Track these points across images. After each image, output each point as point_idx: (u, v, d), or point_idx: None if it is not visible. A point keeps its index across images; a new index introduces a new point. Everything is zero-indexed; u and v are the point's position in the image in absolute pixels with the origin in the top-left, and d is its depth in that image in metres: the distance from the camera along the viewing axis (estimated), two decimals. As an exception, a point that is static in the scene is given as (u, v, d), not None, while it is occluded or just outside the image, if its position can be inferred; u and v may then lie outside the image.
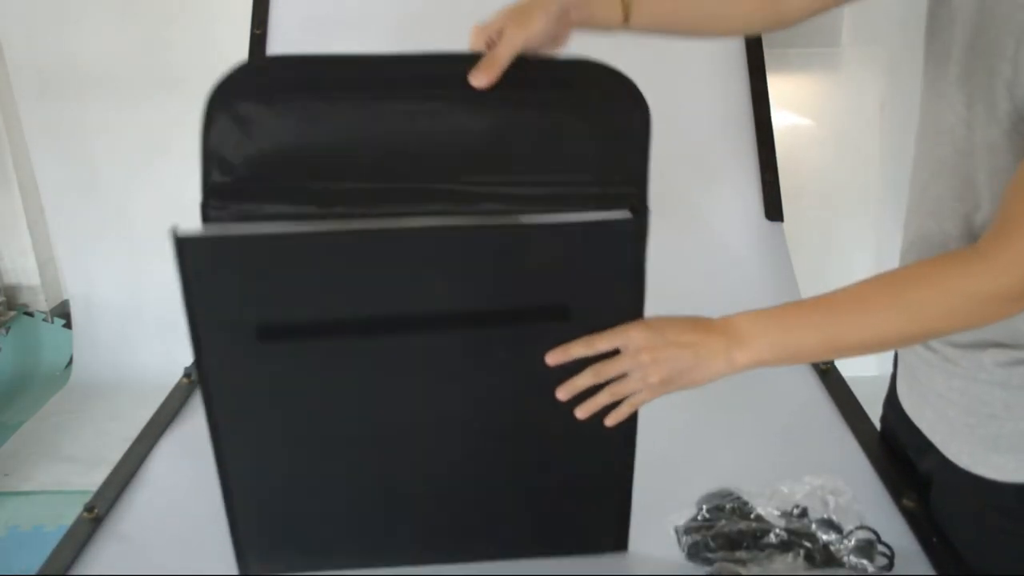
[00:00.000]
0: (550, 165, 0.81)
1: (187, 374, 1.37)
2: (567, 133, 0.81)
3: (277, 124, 0.79)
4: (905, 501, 0.98)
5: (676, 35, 0.94)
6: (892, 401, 1.00)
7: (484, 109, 0.79)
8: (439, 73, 0.79)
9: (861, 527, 0.88)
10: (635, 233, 0.78)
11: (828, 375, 1.31)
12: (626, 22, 0.87)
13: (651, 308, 1.04)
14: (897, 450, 1.02)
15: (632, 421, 0.86)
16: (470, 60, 0.77)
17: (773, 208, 1.58)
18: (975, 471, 0.81)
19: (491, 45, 0.79)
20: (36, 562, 0.95)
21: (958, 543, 0.88)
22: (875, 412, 1.19)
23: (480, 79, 0.77)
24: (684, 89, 1.67)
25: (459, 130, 0.80)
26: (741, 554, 0.87)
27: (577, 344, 0.78)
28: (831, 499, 0.90)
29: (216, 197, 0.81)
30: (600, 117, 0.80)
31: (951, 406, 0.82)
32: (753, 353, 0.76)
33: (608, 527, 0.95)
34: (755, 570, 0.85)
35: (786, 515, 0.90)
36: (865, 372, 2.10)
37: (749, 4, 0.93)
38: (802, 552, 0.86)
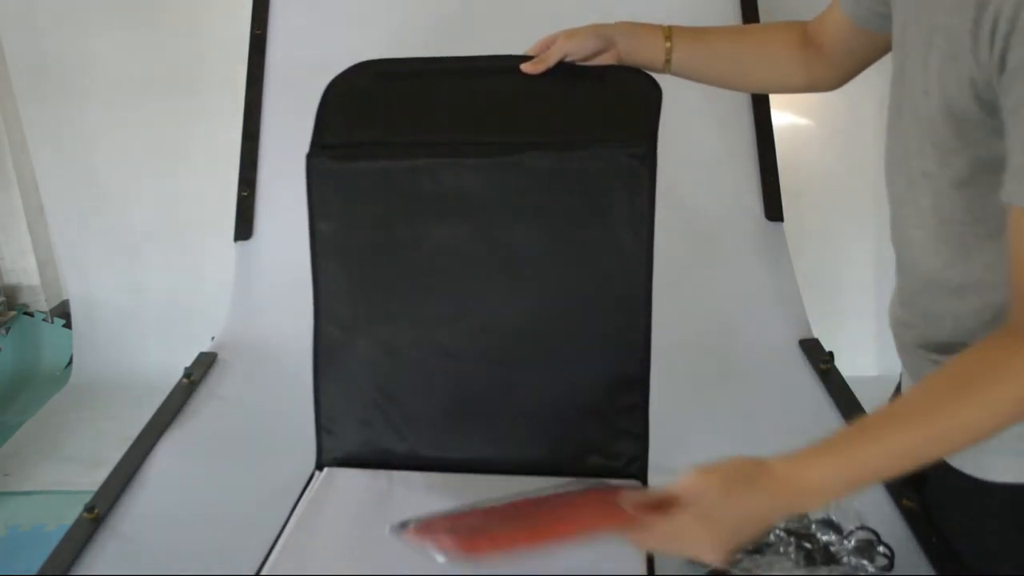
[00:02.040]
0: (581, 120, 1.05)
1: (187, 374, 1.37)
2: (594, 98, 1.05)
3: (381, 97, 1.09)
4: (905, 501, 0.98)
5: (715, 85, 1.07)
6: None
7: (532, 85, 1.04)
8: (501, 65, 1.05)
9: (861, 527, 0.88)
10: (647, 157, 1.01)
11: (828, 375, 1.31)
12: (667, 66, 1.01)
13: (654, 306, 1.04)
14: None
15: (647, 333, 1.03)
16: (525, 59, 1.04)
17: (773, 208, 1.58)
18: (967, 471, 0.81)
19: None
20: (36, 562, 0.95)
21: (958, 542, 0.88)
22: (875, 412, 1.19)
23: (529, 69, 1.02)
24: (684, 89, 1.66)
25: (513, 100, 1.06)
26: (741, 555, 0.87)
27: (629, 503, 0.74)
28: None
29: (324, 152, 1.06)
30: (620, 86, 1.04)
31: None
32: (819, 501, 0.74)
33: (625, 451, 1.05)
34: (755, 570, 0.85)
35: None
36: (865, 372, 2.11)
37: (784, 71, 1.02)
38: (802, 552, 0.86)
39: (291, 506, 1.02)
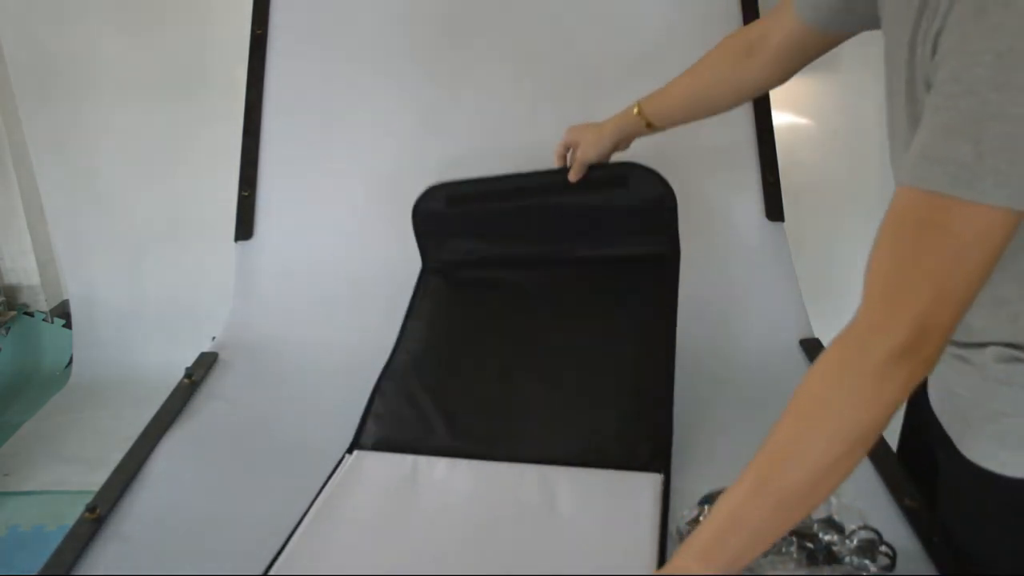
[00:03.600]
0: (617, 228, 1.34)
1: (188, 374, 1.37)
2: (627, 211, 1.32)
3: (457, 215, 1.39)
4: (907, 501, 0.98)
5: (695, 121, 1.21)
6: (916, 396, 1.00)
7: (576, 198, 1.32)
8: (551, 181, 1.31)
9: (863, 527, 0.88)
10: (671, 255, 1.31)
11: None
12: (651, 129, 1.21)
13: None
14: (916, 447, 1.03)
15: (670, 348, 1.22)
16: (563, 172, 1.31)
17: (774, 208, 1.58)
18: (984, 466, 0.81)
19: (571, 148, 1.29)
20: (37, 562, 0.95)
21: (967, 539, 0.88)
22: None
23: (573, 178, 1.29)
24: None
25: (564, 211, 1.34)
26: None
27: None
28: (833, 498, 0.90)
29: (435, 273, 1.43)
30: (645, 200, 1.30)
31: (965, 402, 0.83)
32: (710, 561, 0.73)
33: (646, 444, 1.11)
34: (757, 570, 0.85)
35: (788, 515, 0.90)
36: (865, 372, 2.10)
37: (738, 87, 1.13)
38: (804, 552, 0.86)
39: (292, 504, 1.03)
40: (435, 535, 0.98)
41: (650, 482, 1.05)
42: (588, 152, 1.26)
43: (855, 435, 0.68)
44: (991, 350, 0.78)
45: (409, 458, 1.13)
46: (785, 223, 1.58)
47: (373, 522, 1.01)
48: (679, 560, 0.73)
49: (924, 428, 0.99)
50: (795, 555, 0.85)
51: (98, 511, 1.03)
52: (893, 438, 1.12)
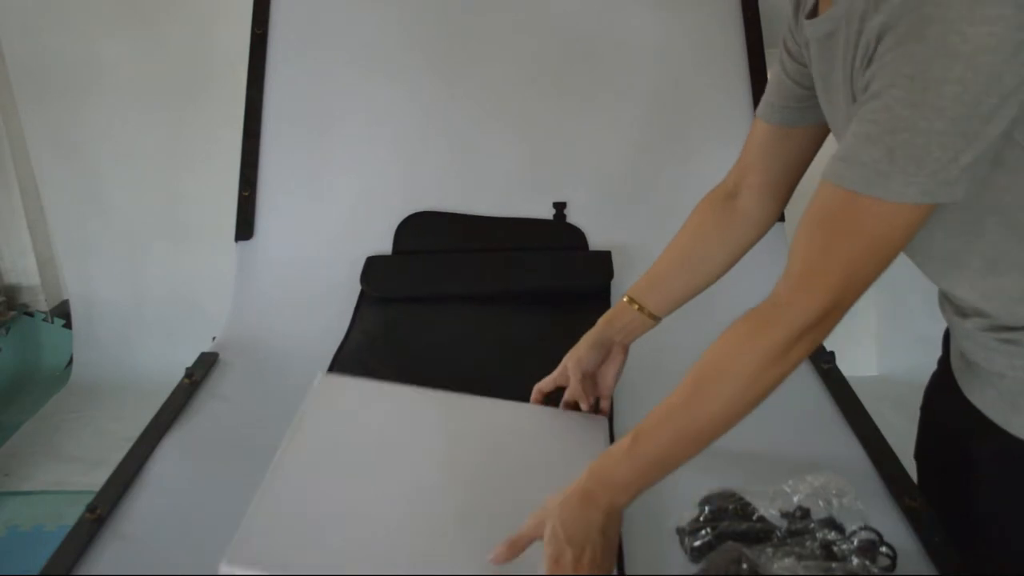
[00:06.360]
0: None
1: (188, 375, 1.37)
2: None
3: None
4: (907, 501, 0.98)
5: (699, 292, 1.10)
6: (939, 389, 1.01)
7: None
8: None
9: (864, 527, 0.88)
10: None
11: (829, 375, 1.31)
12: (656, 320, 1.09)
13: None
14: (936, 447, 1.03)
15: None
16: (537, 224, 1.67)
17: (774, 208, 1.58)
18: None
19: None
20: (36, 562, 0.95)
21: (1014, 526, 0.88)
22: (876, 412, 1.19)
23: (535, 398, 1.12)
24: (686, 91, 1.67)
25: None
26: (740, 554, 0.86)
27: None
28: (834, 499, 0.90)
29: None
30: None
31: (1015, 383, 0.84)
32: (626, 493, 0.82)
33: None
34: (757, 569, 0.84)
35: (788, 516, 0.90)
36: (866, 372, 2.10)
37: (736, 240, 1.08)
38: (805, 552, 0.86)
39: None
40: (404, 463, 1.01)
41: (599, 423, 1.11)
42: (574, 371, 1.10)
43: (752, 394, 0.78)
44: None
45: (374, 382, 1.15)
46: (785, 223, 1.58)
47: (345, 438, 1.05)
48: (585, 476, 0.82)
49: (948, 426, 0.99)
50: (796, 556, 0.85)
51: (98, 511, 1.03)
52: (895, 440, 1.12)
